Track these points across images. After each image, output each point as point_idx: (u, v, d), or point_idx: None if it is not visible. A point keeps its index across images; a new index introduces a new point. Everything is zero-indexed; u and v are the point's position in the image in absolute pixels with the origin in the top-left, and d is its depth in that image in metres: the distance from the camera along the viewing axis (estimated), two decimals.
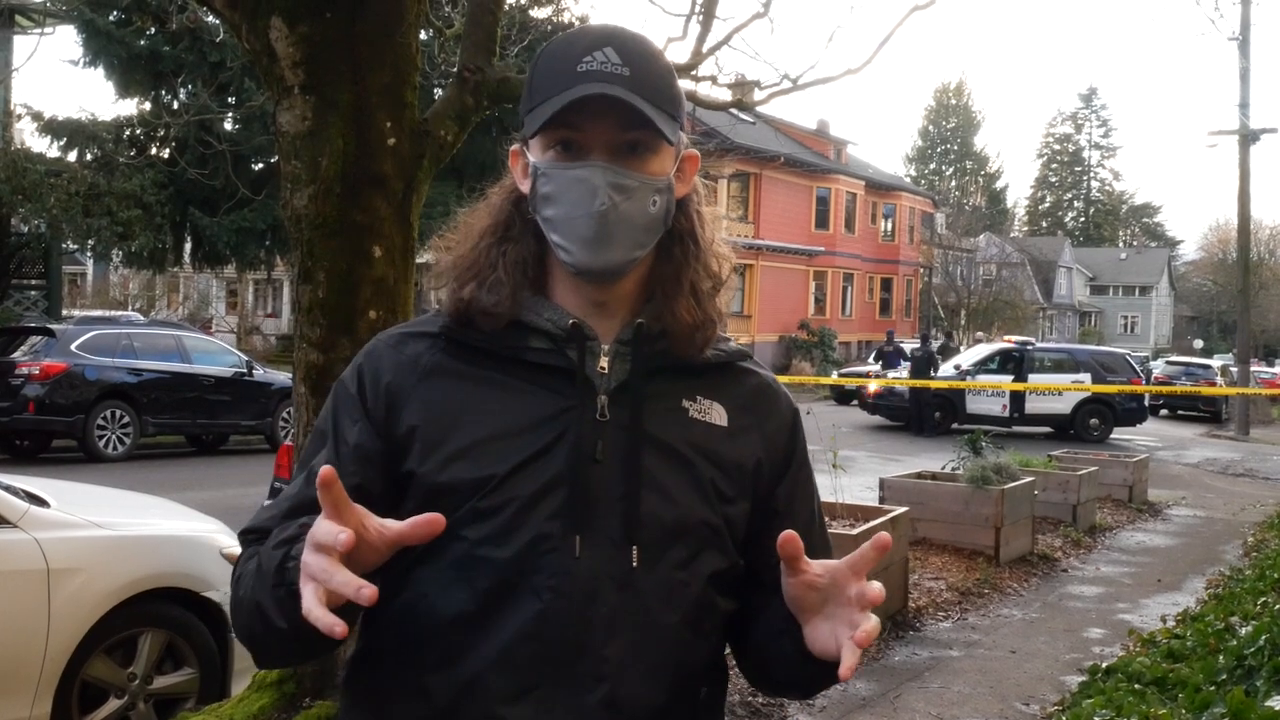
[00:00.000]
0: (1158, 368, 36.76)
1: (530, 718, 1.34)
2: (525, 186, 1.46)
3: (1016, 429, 22.27)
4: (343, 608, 1.19)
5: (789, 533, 1.27)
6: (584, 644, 1.35)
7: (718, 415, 1.49)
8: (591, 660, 1.35)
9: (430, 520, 1.21)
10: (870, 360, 31.82)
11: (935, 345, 27.41)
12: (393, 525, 1.22)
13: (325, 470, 1.18)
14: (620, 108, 1.36)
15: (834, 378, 31.22)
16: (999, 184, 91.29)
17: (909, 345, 29.10)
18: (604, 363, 1.44)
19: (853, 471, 12.18)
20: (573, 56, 1.39)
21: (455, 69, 4.97)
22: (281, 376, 16.71)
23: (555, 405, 1.41)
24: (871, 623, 1.26)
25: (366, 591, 1.15)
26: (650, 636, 1.38)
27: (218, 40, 20.37)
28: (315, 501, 1.23)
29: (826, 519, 6.65)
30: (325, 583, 1.16)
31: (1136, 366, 25.22)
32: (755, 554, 1.49)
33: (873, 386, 24.36)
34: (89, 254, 25.86)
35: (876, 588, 1.27)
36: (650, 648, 1.38)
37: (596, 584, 1.36)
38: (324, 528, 1.18)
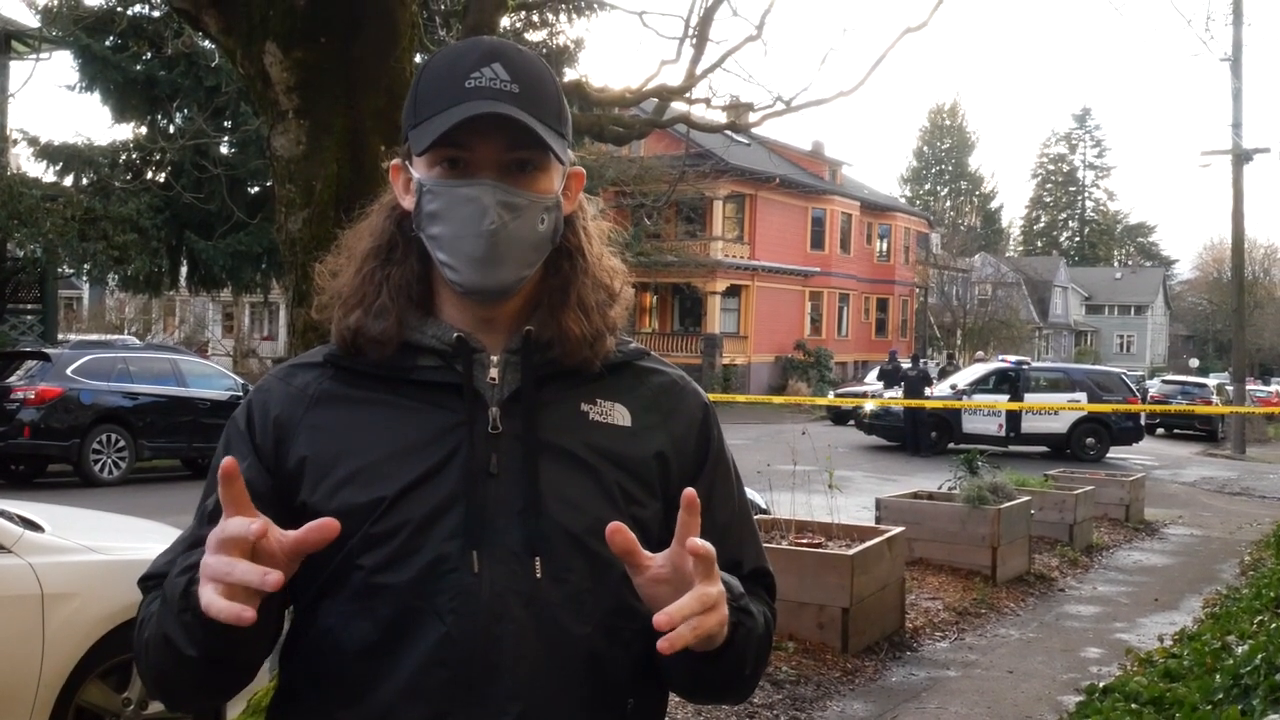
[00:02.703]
0: (1154, 387, 36.89)
1: None
2: (408, 203, 1.43)
3: (1013, 448, 22.24)
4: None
5: (615, 524, 1.23)
6: (494, 664, 1.31)
7: (620, 416, 1.45)
8: (503, 680, 1.31)
9: (324, 525, 1.19)
10: (874, 378, 31.78)
11: (934, 366, 27.42)
12: (290, 534, 1.19)
13: (227, 462, 1.17)
14: (511, 126, 1.34)
15: (830, 398, 31.24)
16: (994, 204, 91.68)
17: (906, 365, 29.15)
18: (494, 374, 1.41)
19: (849, 492, 12.19)
20: (460, 72, 1.36)
21: None
22: None
23: (446, 422, 1.38)
24: (683, 601, 1.21)
25: (272, 576, 1.14)
26: (562, 650, 1.34)
27: (213, 65, 20.44)
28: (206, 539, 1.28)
29: (824, 540, 6.64)
30: (226, 577, 1.15)
31: (1132, 385, 25.27)
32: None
33: (868, 407, 24.38)
34: (85, 278, 25.84)
35: (699, 542, 1.21)
36: (563, 661, 1.34)
37: (502, 601, 1.31)
38: (234, 522, 1.17)
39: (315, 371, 1.45)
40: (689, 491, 1.24)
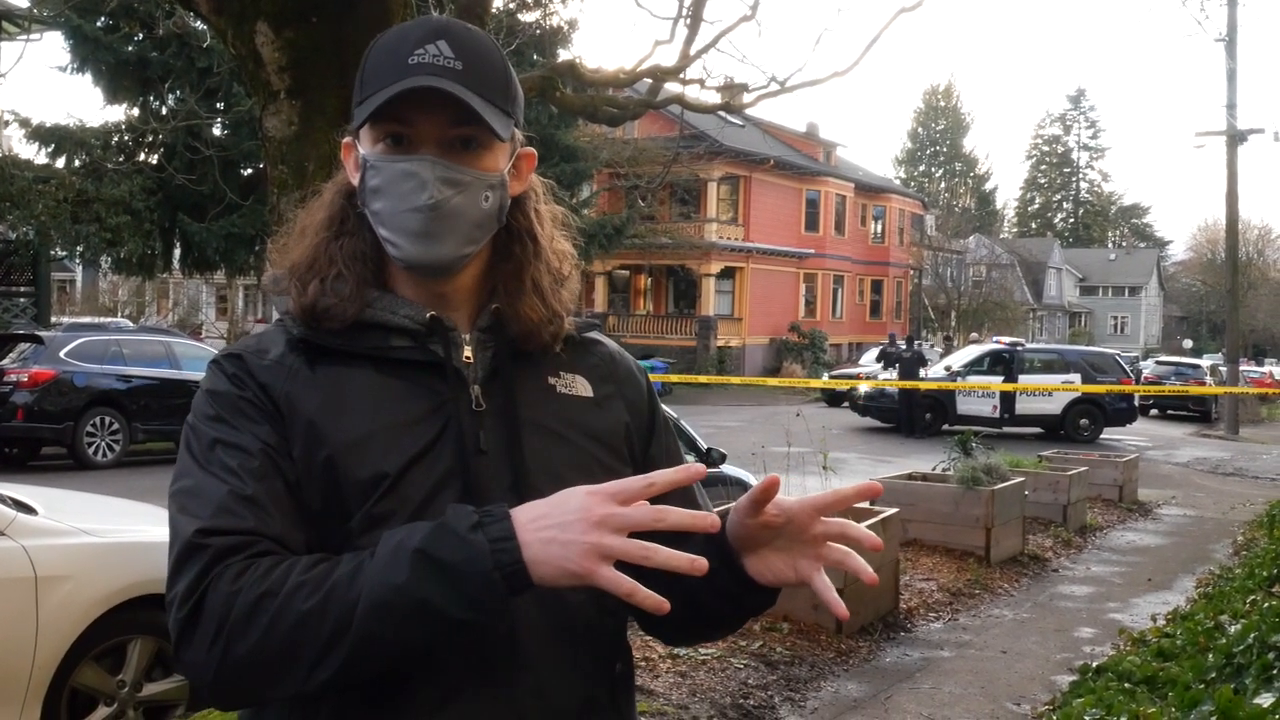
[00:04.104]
0: (1147, 368, 36.92)
1: None
2: (356, 179, 1.43)
3: (1007, 430, 22.31)
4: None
5: (772, 477, 1.30)
6: (504, 638, 1.32)
7: (582, 387, 1.49)
8: (513, 654, 1.33)
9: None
10: (874, 359, 31.80)
11: (936, 350, 27.42)
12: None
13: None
14: (451, 102, 1.34)
15: (825, 380, 31.27)
16: (988, 186, 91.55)
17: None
18: (468, 352, 1.43)
19: (843, 473, 12.21)
20: (404, 49, 1.37)
21: None
22: None
23: (430, 400, 1.38)
24: (857, 560, 1.37)
25: (701, 561, 1.17)
26: (562, 619, 1.37)
27: (205, 46, 20.30)
28: (278, 496, 1.28)
29: None
30: (649, 558, 1.16)
31: (1126, 367, 25.32)
32: None
33: (863, 389, 24.41)
34: (78, 260, 25.80)
35: (862, 531, 1.36)
36: (564, 630, 1.37)
37: None
38: (693, 517, 1.20)
39: (285, 348, 1.41)
40: (866, 487, 1.35)
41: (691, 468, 1.24)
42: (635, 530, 1.18)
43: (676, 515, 1.19)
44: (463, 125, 1.37)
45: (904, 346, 24.87)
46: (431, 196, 1.35)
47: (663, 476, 1.22)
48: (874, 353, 33.71)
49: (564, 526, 1.19)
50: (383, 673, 1.29)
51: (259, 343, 1.44)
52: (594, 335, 1.58)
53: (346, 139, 1.47)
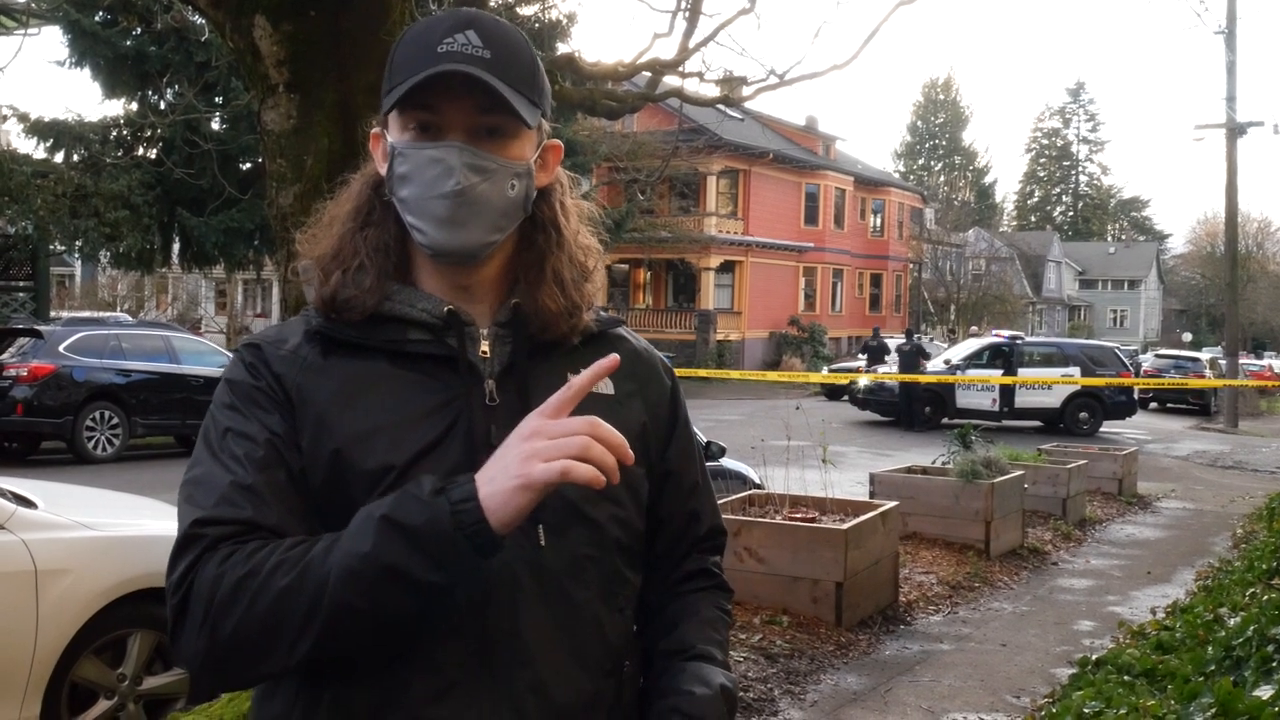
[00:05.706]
0: (1147, 361, 36.95)
1: (457, 714, 1.31)
2: (384, 169, 1.44)
3: (1006, 423, 22.31)
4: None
5: None
6: (505, 632, 1.33)
7: (603, 384, 1.48)
8: (515, 648, 1.33)
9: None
10: (858, 354, 31.87)
11: (940, 344, 27.43)
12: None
13: (612, 359, 1.29)
14: (479, 89, 1.35)
15: (824, 373, 31.28)
16: (987, 179, 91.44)
17: (893, 341, 29.26)
18: (485, 347, 1.43)
19: (843, 467, 12.22)
20: (433, 39, 1.38)
21: None
22: None
23: (443, 394, 1.39)
24: None
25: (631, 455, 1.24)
26: (568, 615, 1.37)
27: (203, 40, 20.26)
28: (279, 487, 1.30)
29: (818, 515, 6.65)
30: (585, 452, 1.20)
31: (1125, 360, 25.32)
32: (649, 516, 1.52)
33: (863, 382, 24.43)
34: (77, 255, 25.75)
35: None
36: (570, 626, 1.37)
37: (510, 570, 1.33)
38: (603, 429, 1.23)
39: (303, 339, 1.43)
40: None
41: (608, 359, 1.28)
42: (567, 436, 1.21)
43: (605, 428, 1.23)
44: (490, 113, 1.38)
45: (904, 340, 24.85)
46: (458, 183, 1.36)
47: (579, 379, 1.26)
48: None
49: (503, 456, 1.23)
50: (382, 661, 1.30)
51: (279, 333, 1.46)
52: (620, 331, 1.58)
53: (375, 129, 1.48)
